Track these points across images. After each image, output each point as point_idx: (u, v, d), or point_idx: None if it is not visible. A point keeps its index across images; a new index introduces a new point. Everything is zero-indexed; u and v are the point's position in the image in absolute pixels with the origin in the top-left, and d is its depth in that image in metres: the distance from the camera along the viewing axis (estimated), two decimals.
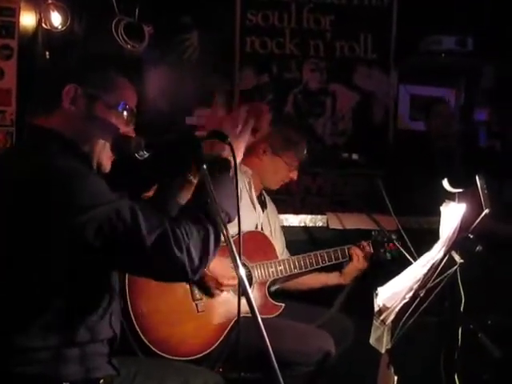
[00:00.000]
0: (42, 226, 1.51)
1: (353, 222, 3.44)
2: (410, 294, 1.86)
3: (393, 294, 1.92)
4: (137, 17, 4.26)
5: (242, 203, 2.79)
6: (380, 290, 2.18)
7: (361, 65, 4.65)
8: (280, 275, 2.79)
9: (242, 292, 1.51)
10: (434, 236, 2.56)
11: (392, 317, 1.87)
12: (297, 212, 3.81)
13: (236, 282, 2.25)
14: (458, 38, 4.32)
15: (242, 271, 1.48)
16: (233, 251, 1.47)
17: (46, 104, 1.73)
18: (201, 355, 2.47)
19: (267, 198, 3.13)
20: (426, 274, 1.85)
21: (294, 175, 2.99)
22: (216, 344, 2.53)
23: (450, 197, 2.10)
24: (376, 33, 4.62)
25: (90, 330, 1.65)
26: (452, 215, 1.96)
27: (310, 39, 4.62)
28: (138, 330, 2.33)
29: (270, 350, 1.49)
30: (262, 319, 2.67)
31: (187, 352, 2.43)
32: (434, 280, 1.82)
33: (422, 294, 1.83)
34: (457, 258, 1.76)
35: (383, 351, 1.71)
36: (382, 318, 1.90)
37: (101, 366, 1.70)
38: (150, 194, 2.23)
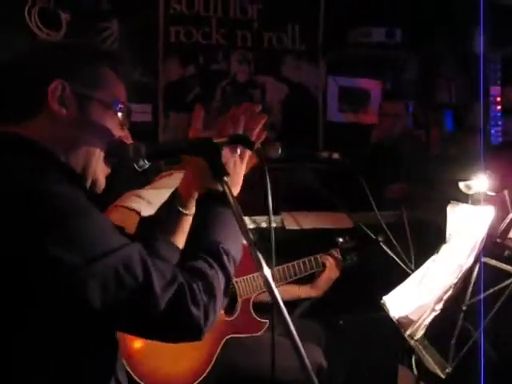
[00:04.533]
0: (25, 283, 1.16)
1: (310, 221, 3.31)
2: (440, 305, 1.76)
3: (419, 306, 1.80)
4: (52, 2, 3.87)
5: None
6: (387, 299, 2.07)
7: (289, 56, 4.53)
8: (263, 289, 2.60)
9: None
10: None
11: (422, 331, 1.75)
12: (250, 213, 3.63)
13: None
14: (387, 29, 4.32)
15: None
16: None
17: (19, 107, 1.34)
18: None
19: None
20: (456, 283, 1.75)
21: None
22: (208, 369, 2.31)
23: (459, 198, 2.03)
24: (304, 23, 4.51)
25: None
26: (469, 218, 1.87)
27: (238, 29, 4.43)
28: (126, 365, 2.07)
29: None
30: (248, 338, 2.56)
31: (179, 382, 2.22)
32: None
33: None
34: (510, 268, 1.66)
35: (440, 370, 1.58)
36: (408, 332, 1.77)
37: None
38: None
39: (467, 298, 1.68)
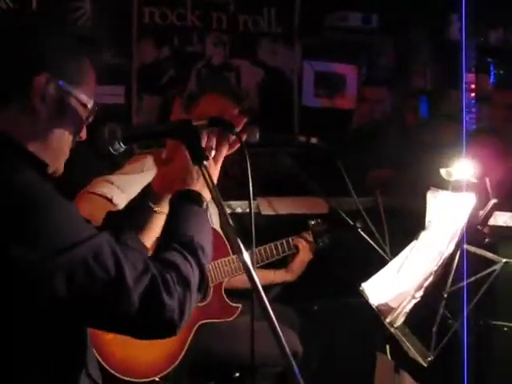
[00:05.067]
0: None
1: (285, 206, 3.29)
2: (421, 292, 1.75)
3: (399, 293, 1.78)
4: None
5: None
6: (366, 286, 2.05)
7: (265, 39, 4.47)
8: (235, 274, 2.57)
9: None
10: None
11: (402, 318, 1.75)
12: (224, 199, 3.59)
13: None
14: (363, 14, 4.29)
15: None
16: None
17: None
18: (167, 371, 2.22)
19: None
20: (437, 270, 1.74)
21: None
22: (181, 355, 2.28)
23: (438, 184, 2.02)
24: (280, 6, 4.45)
25: None
26: (450, 205, 1.87)
27: (213, 11, 4.35)
28: (98, 355, 2.02)
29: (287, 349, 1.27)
30: (221, 323, 2.53)
31: (150, 371, 2.19)
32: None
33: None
34: (495, 256, 1.65)
35: (422, 358, 1.57)
36: (388, 320, 1.76)
37: None
38: None
39: (448, 285, 1.68)
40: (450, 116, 4.65)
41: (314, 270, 3.04)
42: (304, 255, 2.83)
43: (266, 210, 3.31)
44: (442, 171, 1.89)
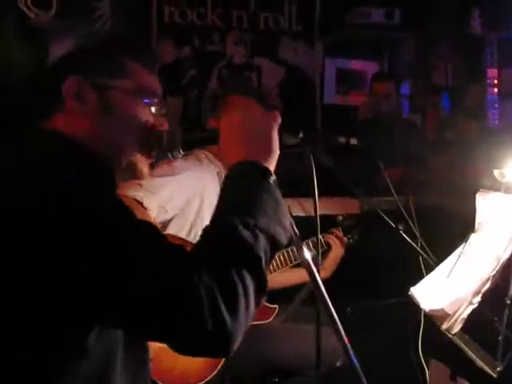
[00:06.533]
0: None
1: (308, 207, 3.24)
2: (478, 298, 1.70)
3: (455, 299, 1.74)
4: None
5: (214, 202, 2.47)
6: (415, 290, 2.01)
7: (286, 37, 4.42)
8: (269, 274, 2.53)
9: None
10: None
11: (460, 325, 1.70)
12: None
13: None
14: (386, 10, 4.23)
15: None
16: None
17: (41, 107, 1.29)
18: (207, 378, 2.19)
19: None
20: (495, 275, 1.70)
21: None
22: (221, 363, 2.24)
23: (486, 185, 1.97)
24: (301, 4, 4.41)
25: None
26: (504, 207, 1.82)
27: (233, 10, 4.31)
28: None
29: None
30: (259, 325, 2.49)
31: (195, 379, 2.15)
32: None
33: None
34: None
35: (489, 368, 1.52)
36: (445, 326, 1.72)
37: None
38: None
39: (510, 290, 1.63)
40: (472, 112, 4.61)
41: (342, 270, 3.01)
42: (336, 251, 2.81)
43: (297, 211, 3.26)
44: (495, 172, 1.84)
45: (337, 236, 2.86)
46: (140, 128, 1.32)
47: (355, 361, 1.31)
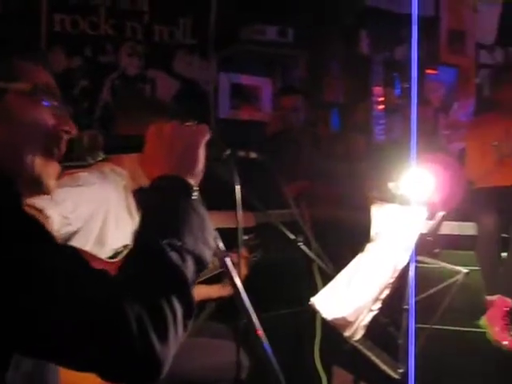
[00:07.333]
0: None
1: (215, 220, 3.23)
2: (378, 304, 1.76)
3: (356, 307, 1.79)
4: None
5: (120, 216, 2.40)
6: (316, 300, 2.05)
7: (181, 50, 4.41)
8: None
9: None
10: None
11: (362, 331, 1.75)
12: None
13: None
14: (279, 28, 4.33)
15: None
16: None
17: None
18: None
19: None
20: (393, 282, 1.77)
21: None
22: None
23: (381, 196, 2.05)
24: (196, 18, 4.41)
25: None
26: (399, 218, 1.90)
27: (127, 21, 4.24)
28: None
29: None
30: None
31: None
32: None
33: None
34: (458, 267, 1.69)
35: (391, 370, 1.56)
36: (347, 334, 1.76)
37: None
38: None
39: (407, 297, 1.70)
40: (359, 127, 4.81)
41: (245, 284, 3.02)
42: (243, 271, 2.80)
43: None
44: (390, 184, 1.92)
45: (242, 255, 2.85)
46: (42, 131, 1.24)
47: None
